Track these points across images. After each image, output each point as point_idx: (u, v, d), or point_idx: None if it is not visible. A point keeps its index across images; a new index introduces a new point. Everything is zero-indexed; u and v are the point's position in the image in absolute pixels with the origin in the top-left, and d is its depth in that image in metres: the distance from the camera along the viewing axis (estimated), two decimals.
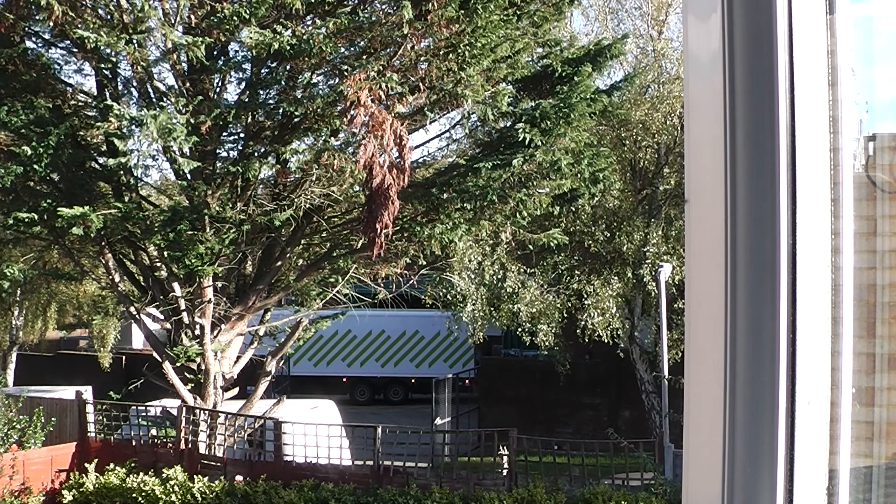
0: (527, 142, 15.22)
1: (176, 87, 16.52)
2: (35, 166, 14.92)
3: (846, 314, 1.59)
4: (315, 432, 16.63)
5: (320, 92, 15.76)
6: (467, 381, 32.05)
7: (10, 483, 16.30)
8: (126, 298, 18.57)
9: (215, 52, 15.87)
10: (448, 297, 23.97)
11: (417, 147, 18.14)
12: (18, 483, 16.49)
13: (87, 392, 21.49)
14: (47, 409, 19.55)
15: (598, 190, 17.65)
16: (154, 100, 16.15)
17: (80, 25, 14.69)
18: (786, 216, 1.39)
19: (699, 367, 1.47)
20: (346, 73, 14.77)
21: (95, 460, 16.77)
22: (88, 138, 17.40)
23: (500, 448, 16.49)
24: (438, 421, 27.50)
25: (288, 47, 14.02)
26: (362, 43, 15.45)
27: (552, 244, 18.11)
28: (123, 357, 33.26)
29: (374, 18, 15.01)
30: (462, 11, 14.41)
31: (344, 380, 34.16)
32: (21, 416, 18.18)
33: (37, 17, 15.34)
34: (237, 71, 16.78)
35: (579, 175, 16.55)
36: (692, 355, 1.48)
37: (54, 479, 17.20)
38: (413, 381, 33.69)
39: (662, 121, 22.52)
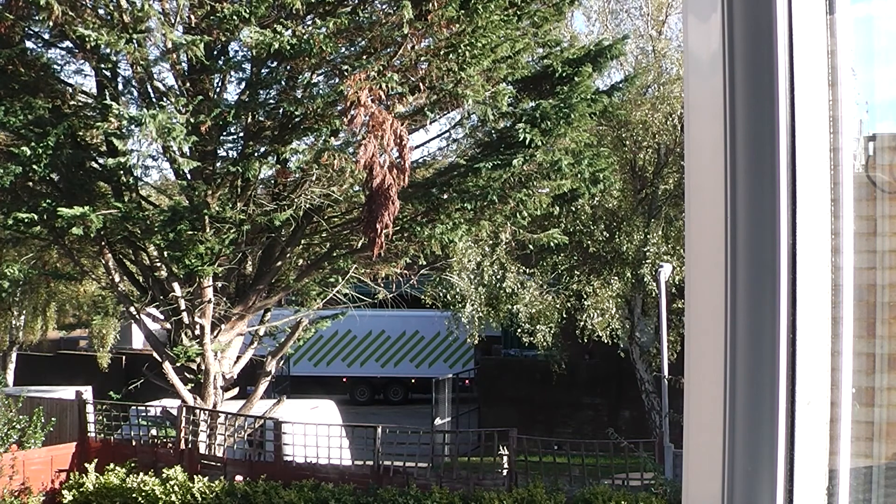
0: (527, 142, 15.23)
1: (176, 86, 16.52)
2: (35, 166, 14.92)
3: (846, 314, 1.59)
4: (315, 432, 16.63)
5: (320, 92, 15.76)
6: (467, 381, 32.05)
7: (10, 483, 16.30)
8: (126, 298, 18.56)
9: (215, 52, 15.87)
10: (448, 297, 23.96)
11: (417, 147, 18.16)
12: (18, 483, 16.49)
13: (87, 392, 21.49)
14: (47, 409, 19.55)
15: (598, 190, 17.68)
16: (154, 100, 16.15)
17: (79, 25, 14.69)
18: (786, 216, 1.39)
19: (699, 367, 1.47)
20: (346, 73, 14.77)
21: (95, 460, 16.77)
22: (88, 138, 17.39)
23: (500, 448, 16.49)
24: (438, 421, 27.50)
25: (288, 47, 14.02)
26: (362, 43, 15.45)
27: (552, 244, 18.12)
28: (123, 357, 33.25)
29: (374, 18, 15.01)
30: (462, 11, 14.41)
31: (344, 380, 34.16)
32: (21, 416, 18.18)
33: (36, 18, 15.32)
34: (237, 71, 16.78)
35: (579, 175, 16.55)
36: (692, 355, 1.47)
37: (54, 479, 17.20)
38: (413, 381, 33.69)
39: (662, 121, 22.51)
